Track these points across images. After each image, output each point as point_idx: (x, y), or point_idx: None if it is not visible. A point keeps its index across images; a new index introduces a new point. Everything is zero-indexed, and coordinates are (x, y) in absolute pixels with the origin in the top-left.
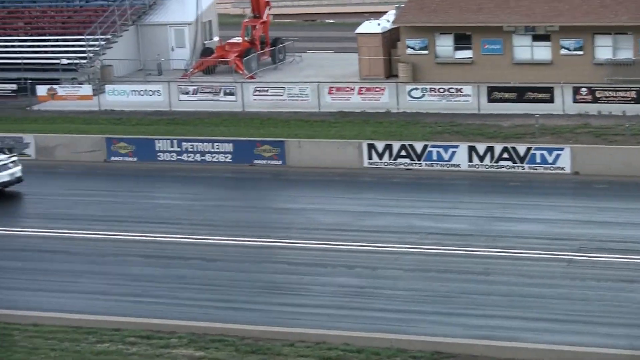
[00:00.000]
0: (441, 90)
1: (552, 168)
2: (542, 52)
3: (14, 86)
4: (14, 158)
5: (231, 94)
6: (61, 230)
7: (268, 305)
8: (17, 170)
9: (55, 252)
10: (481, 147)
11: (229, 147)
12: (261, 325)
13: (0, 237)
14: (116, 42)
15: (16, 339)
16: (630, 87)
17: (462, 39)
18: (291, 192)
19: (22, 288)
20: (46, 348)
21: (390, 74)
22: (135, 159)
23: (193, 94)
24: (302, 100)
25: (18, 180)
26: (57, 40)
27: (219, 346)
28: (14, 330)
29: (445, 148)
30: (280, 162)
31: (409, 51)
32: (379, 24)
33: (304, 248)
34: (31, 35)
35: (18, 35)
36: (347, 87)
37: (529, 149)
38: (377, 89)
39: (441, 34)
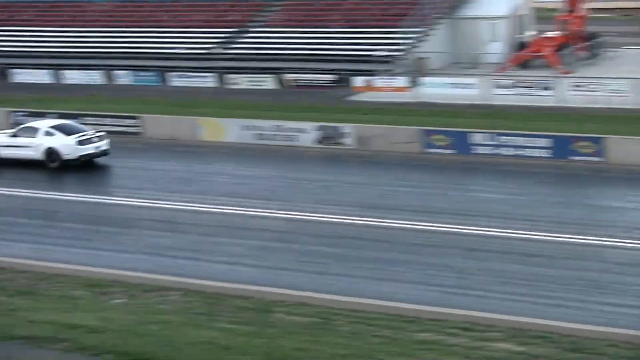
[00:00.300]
0: None
1: None
2: None
3: (333, 77)
4: (100, 133)
5: (547, 88)
6: (378, 220)
7: (587, 303)
8: (102, 144)
9: (377, 241)
10: None
11: (545, 142)
12: (583, 324)
13: (318, 223)
14: (431, 35)
15: (337, 324)
16: None
17: None
18: (612, 190)
19: (343, 274)
20: (367, 334)
21: None
22: (451, 151)
23: (509, 87)
24: (620, 96)
25: (104, 153)
26: (372, 33)
27: (540, 342)
28: (335, 315)
29: None
30: (600, 159)
31: None
32: None
33: (627, 248)
34: (348, 28)
35: (335, 28)
36: None
37: None
38: None
39: None
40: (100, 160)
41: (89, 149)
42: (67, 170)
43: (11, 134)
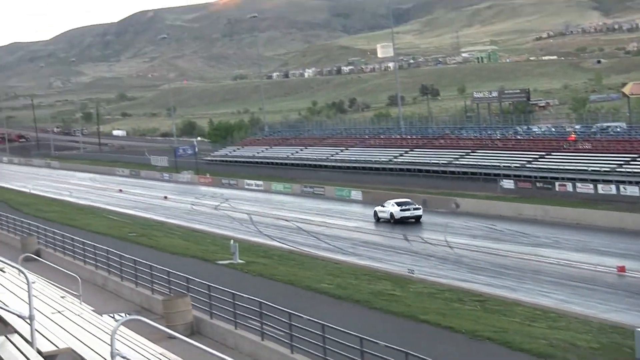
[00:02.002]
0: None
1: None
2: None
3: None
4: (417, 206)
5: None
6: None
7: None
8: (417, 212)
9: None
10: None
11: None
12: None
13: None
14: None
15: None
16: None
17: None
18: None
19: None
20: None
21: None
22: None
23: None
24: None
25: (417, 217)
26: None
27: None
28: None
29: None
30: None
31: None
32: None
33: None
34: None
35: None
36: None
37: None
38: None
39: None
40: None
41: (406, 214)
42: None
43: (383, 204)
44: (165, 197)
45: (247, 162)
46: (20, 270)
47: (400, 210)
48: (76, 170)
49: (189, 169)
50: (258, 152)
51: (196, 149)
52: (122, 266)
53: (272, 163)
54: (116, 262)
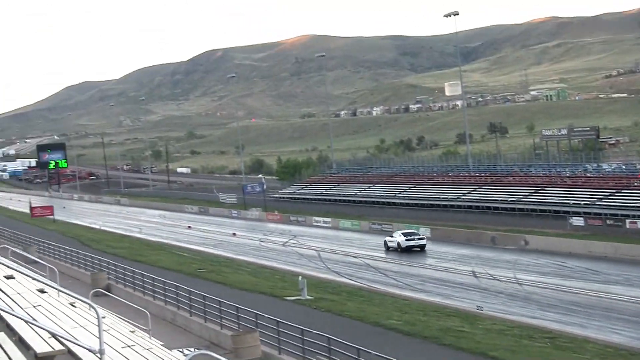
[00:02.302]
0: None
1: None
2: None
3: None
4: (422, 236)
5: None
6: None
7: None
8: (421, 242)
9: None
10: None
11: None
12: None
13: None
14: None
15: None
16: None
17: None
18: None
19: None
20: None
21: None
22: None
23: None
24: None
25: (422, 246)
26: None
27: None
28: None
29: None
30: None
31: None
32: None
33: None
34: None
35: None
36: None
37: None
38: None
39: None
40: None
41: (411, 243)
42: None
43: (392, 235)
44: (234, 234)
45: (315, 199)
46: (90, 305)
47: (406, 239)
48: (146, 207)
49: (257, 206)
50: (326, 190)
51: (264, 186)
52: (191, 301)
53: (340, 200)
54: (185, 297)
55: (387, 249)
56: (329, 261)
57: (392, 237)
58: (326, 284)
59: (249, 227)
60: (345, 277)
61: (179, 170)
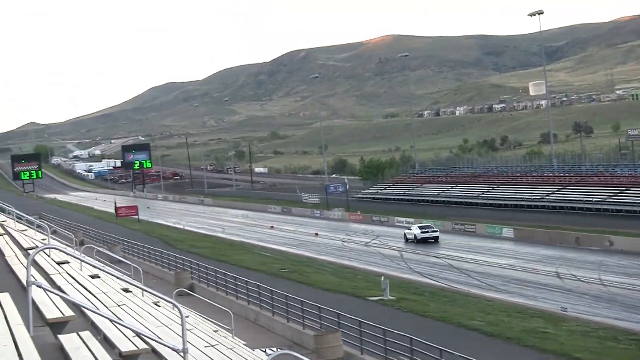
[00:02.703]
0: None
1: None
2: None
3: None
4: (435, 229)
5: None
6: None
7: None
8: (435, 234)
9: None
10: None
11: None
12: None
13: None
14: None
15: None
16: None
17: None
18: None
19: None
20: None
21: None
22: None
23: None
24: None
25: (435, 238)
26: None
27: None
28: None
29: None
30: None
31: None
32: None
33: None
34: None
35: None
36: None
37: None
38: None
39: None
40: None
41: (425, 235)
42: None
43: (410, 228)
44: (316, 234)
45: (397, 199)
46: (174, 305)
47: (421, 232)
48: (229, 207)
49: (339, 206)
50: (409, 190)
51: (347, 187)
52: (274, 301)
53: (423, 200)
54: (267, 297)
55: (406, 240)
56: (411, 261)
57: (410, 229)
58: (408, 284)
59: (332, 227)
60: (428, 278)
61: (257, 170)
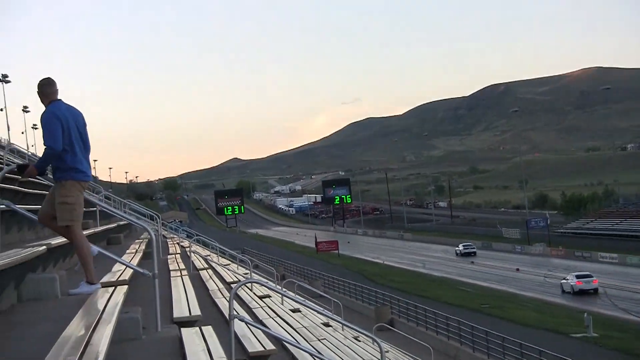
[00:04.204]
0: None
1: None
2: None
3: None
4: (473, 246)
5: None
6: None
7: None
8: (474, 249)
9: None
10: None
11: None
12: None
13: None
14: None
15: None
16: None
17: None
18: None
19: None
20: None
21: None
22: None
23: None
24: None
25: (474, 253)
26: None
27: None
28: None
29: None
30: None
31: None
32: None
33: None
34: None
35: None
36: None
37: None
38: None
39: None
40: None
41: (467, 250)
42: None
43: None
44: (517, 269)
45: (600, 234)
46: (373, 340)
47: (463, 248)
48: (428, 242)
49: (541, 241)
50: (612, 225)
51: (548, 221)
52: (474, 337)
53: (628, 235)
54: (468, 333)
55: (456, 254)
56: (616, 298)
57: (458, 247)
58: (613, 321)
59: (533, 262)
60: (633, 315)
61: (440, 204)
